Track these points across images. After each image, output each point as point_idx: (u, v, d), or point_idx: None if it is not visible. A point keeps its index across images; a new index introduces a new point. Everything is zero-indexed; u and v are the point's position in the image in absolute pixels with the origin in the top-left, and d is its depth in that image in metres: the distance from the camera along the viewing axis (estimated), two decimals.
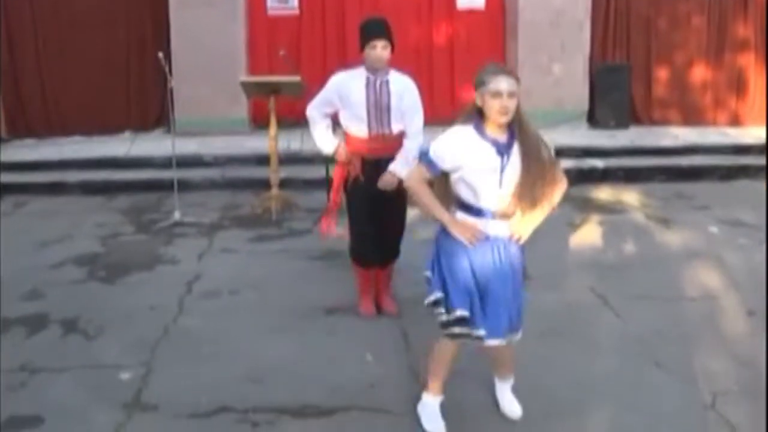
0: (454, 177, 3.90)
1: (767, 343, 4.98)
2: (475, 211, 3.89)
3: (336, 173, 5.55)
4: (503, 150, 3.81)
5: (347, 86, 5.26)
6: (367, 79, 5.23)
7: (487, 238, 3.87)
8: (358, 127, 5.29)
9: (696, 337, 5.25)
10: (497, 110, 3.75)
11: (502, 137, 3.83)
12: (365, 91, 5.21)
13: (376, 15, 5.62)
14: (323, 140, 5.47)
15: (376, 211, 5.36)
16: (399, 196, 5.14)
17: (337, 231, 5.82)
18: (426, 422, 4.17)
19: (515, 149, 3.83)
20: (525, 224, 3.93)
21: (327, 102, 5.39)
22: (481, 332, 3.90)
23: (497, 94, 3.74)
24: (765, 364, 4.71)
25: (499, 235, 3.90)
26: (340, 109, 5.36)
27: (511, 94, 3.75)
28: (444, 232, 3.95)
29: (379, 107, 5.21)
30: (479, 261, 3.87)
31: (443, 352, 4.12)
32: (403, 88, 5.28)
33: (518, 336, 4.06)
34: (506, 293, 3.91)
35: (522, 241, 3.94)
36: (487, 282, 3.88)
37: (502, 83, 3.75)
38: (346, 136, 5.39)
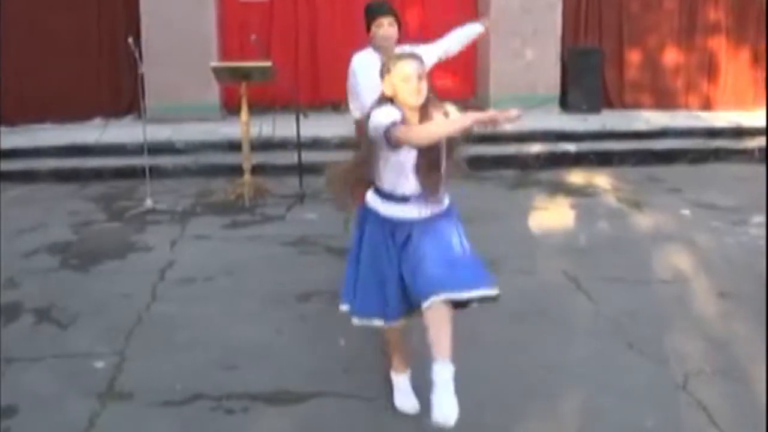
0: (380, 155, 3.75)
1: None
2: (386, 195, 3.82)
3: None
4: None
5: (366, 71, 5.03)
6: (381, 60, 5.13)
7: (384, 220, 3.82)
8: None
9: (668, 319, 5.30)
10: (410, 92, 3.64)
11: (416, 121, 3.73)
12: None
13: None
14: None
15: None
16: None
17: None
18: (396, 399, 4.19)
19: None
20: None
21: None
22: (377, 322, 3.96)
23: (407, 79, 3.65)
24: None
25: (394, 217, 3.81)
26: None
27: (420, 77, 3.66)
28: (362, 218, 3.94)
29: None
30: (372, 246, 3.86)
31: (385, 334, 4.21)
32: None
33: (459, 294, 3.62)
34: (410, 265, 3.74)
35: None
36: (382, 266, 3.84)
37: (409, 67, 3.66)
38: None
